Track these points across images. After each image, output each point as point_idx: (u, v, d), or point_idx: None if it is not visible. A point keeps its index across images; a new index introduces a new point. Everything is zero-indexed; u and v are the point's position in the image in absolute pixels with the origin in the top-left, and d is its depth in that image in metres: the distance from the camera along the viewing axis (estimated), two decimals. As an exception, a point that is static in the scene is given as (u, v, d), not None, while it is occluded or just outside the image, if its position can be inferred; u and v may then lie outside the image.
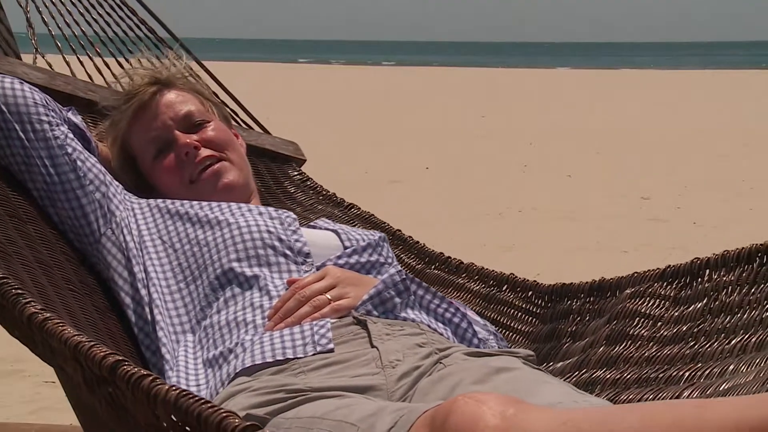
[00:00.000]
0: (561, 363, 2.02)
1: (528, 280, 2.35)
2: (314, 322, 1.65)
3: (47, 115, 1.92)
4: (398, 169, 9.91)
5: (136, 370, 0.95)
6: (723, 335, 1.79)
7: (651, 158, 11.13)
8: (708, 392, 1.61)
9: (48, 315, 1.10)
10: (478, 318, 2.05)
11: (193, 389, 1.64)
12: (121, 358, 0.98)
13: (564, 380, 1.93)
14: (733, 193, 8.82)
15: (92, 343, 1.02)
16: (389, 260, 1.99)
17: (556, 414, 1.09)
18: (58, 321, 1.08)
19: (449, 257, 2.52)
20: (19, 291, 1.17)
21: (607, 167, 10.46)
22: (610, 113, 16.89)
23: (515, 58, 61.17)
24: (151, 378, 0.92)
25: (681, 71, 37.49)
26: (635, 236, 6.94)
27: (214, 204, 1.94)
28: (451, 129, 14.07)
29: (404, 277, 1.76)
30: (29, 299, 1.15)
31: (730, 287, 1.86)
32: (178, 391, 0.90)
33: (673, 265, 2.00)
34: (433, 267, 2.52)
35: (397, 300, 1.73)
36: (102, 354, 0.98)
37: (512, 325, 2.30)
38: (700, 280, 1.94)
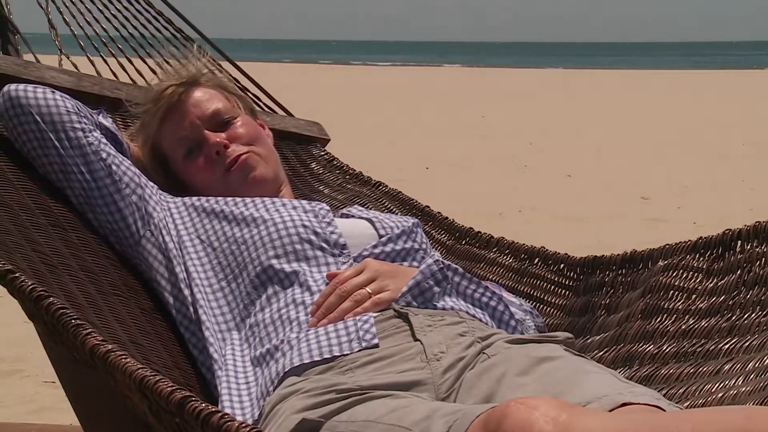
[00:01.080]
0: (599, 337, 2.05)
1: (559, 254, 2.37)
2: (357, 318, 1.68)
3: (80, 123, 1.95)
4: (398, 169, 9.87)
5: (204, 407, 0.98)
6: (759, 307, 1.80)
7: (651, 158, 11.07)
8: (748, 367, 1.63)
9: (110, 347, 1.14)
10: (513, 298, 2.08)
11: (243, 387, 1.69)
12: (187, 393, 1.01)
13: (603, 355, 1.97)
14: (733, 193, 8.76)
15: (157, 378, 1.05)
16: (424, 246, 2.01)
17: (610, 420, 1.12)
18: (121, 354, 1.11)
19: (479, 232, 2.55)
20: (79, 321, 1.20)
21: (607, 167, 10.42)
22: (610, 113, 16.73)
23: (515, 58, 60.53)
24: (220, 415, 0.96)
25: (681, 71, 37.09)
26: (635, 236, 6.91)
27: (248, 200, 1.97)
28: (451, 129, 14.00)
29: (442, 266, 1.79)
30: (89, 330, 1.18)
31: (763, 259, 1.88)
32: (248, 429, 0.93)
33: (705, 237, 2.02)
34: (463, 242, 2.55)
35: (436, 289, 1.76)
36: (169, 390, 1.01)
37: (546, 298, 2.33)
38: (731, 251, 1.96)
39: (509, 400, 1.19)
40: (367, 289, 1.74)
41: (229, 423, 0.94)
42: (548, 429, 1.11)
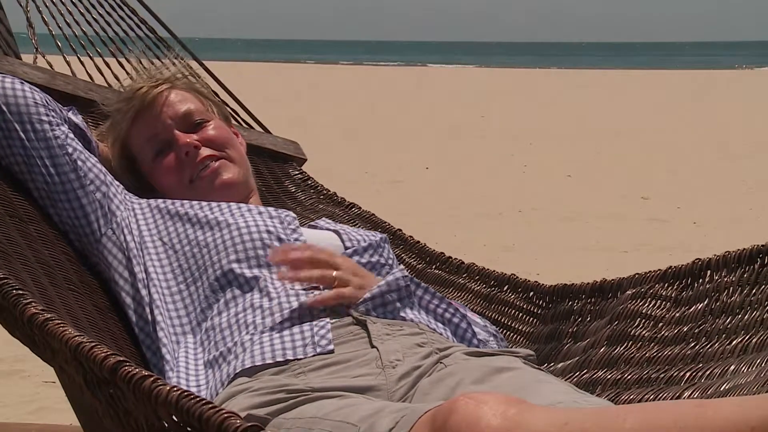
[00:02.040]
0: (562, 363, 2.02)
1: (529, 281, 2.34)
2: (314, 323, 1.65)
3: (48, 115, 1.92)
4: (398, 169, 9.90)
5: (137, 371, 0.94)
6: (724, 336, 1.79)
7: (651, 158, 11.13)
8: (709, 392, 1.61)
9: (49, 316, 1.10)
10: (478, 319, 2.05)
11: (193, 390, 1.64)
12: (122, 358, 0.97)
13: (566, 381, 1.94)
14: (733, 193, 8.82)
15: (93, 344, 1.01)
16: (390, 261, 1.98)
17: (558, 414, 1.08)
18: (59, 322, 1.08)
19: (450, 257, 2.52)
20: (20, 292, 1.16)
21: (607, 167, 10.47)
22: (610, 113, 16.88)
23: (516, 58, 61.14)
24: (152, 379, 0.92)
25: (680, 71, 37.50)
26: (635, 236, 6.94)
27: (213, 204, 1.94)
28: (451, 129, 14.06)
29: (408, 282, 1.76)
30: (30, 300, 1.15)
31: (731, 288, 1.86)
32: (179, 392, 0.90)
33: (675, 266, 2.00)
34: (433, 267, 2.52)
35: (398, 304, 1.73)
36: (103, 354, 0.98)
37: (513, 325, 2.30)
38: (701, 281, 1.94)
39: (458, 395, 1.15)
40: (334, 273, 1.72)
41: (160, 387, 0.90)
42: (496, 423, 1.08)
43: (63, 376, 1.59)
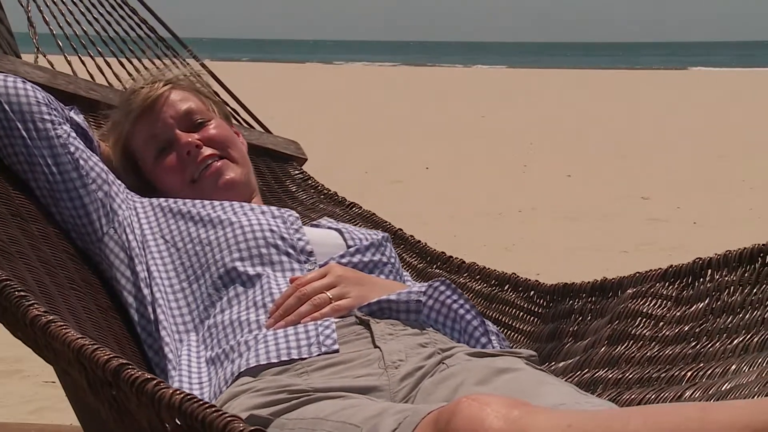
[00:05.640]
0: (563, 363, 2.02)
1: (530, 280, 2.34)
2: (318, 323, 1.64)
3: (50, 114, 1.92)
4: (398, 169, 9.90)
5: (140, 374, 0.94)
6: (725, 335, 1.79)
7: (651, 158, 11.13)
8: (710, 392, 1.61)
9: (51, 318, 1.10)
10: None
11: (195, 388, 1.65)
12: (124, 361, 0.98)
13: (566, 380, 1.94)
14: (733, 193, 8.82)
15: (95, 346, 1.02)
16: (392, 260, 1.99)
17: (561, 416, 1.09)
18: (62, 324, 1.08)
19: (451, 257, 2.52)
20: (22, 293, 1.17)
21: (607, 167, 10.46)
22: (609, 113, 16.87)
23: (515, 58, 61.08)
24: (155, 382, 0.92)
25: (680, 71, 37.47)
26: (635, 236, 6.94)
27: (216, 203, 1.94)
28: (451, 129, 14.06)
29: (420, 299, 1.72)
30: (32, 301, 1.15)
31: (732, 287, 1.86)
32: (182, 395, 0.90)
33: (675, 265, 2.00)
34: (434, 266, 2.52)
35: (403, 316, 1.72)
36: (105, 357, 0.98)
37: (514, 324, 2.29)
38: (702, 280, 1.93)
39: (460, 397, 1.16)
40: (328, 293, 1.70)
41: (163, 390, 0.90)
42: (498, 425, 1.08)
43: (65, 378, 1.60)
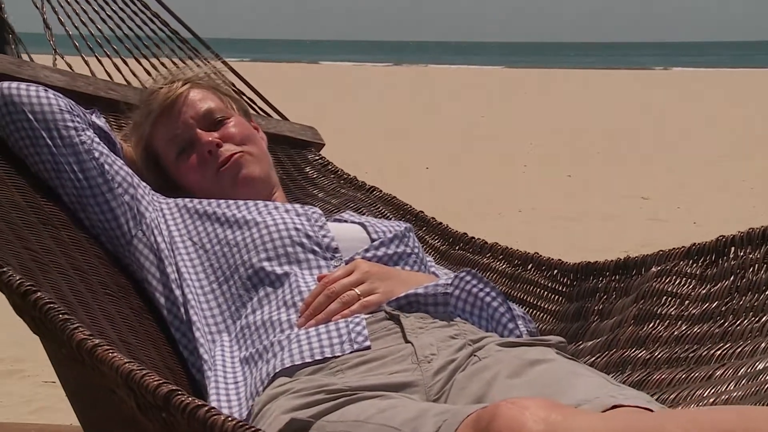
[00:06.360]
0: (591, 342, 2.04)
1: (552, 259, 2.36)
2: (349, 320, 1.67)
3: (73, 121, 1.94)
4: (398, 169, 9.87)
5: (191, 401, 0.97)
6: (752, 313, 1.80)
7: (651, 158, 11.09)
8: (740, 372, 1.63)
9: (97, 341, 1.13)
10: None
11: (231, 387, 1.68)
12: (174, 387, 1.00)
13: (595, 360, 1.96)
14: (733, 193, 8.78)
15: (144, 371, 1.04)
16: (416, 250, 2.01)
17: (598, 422, 1.11)
18: (108, 348, 1.10)
19: (473, 237, 2.54)
20: (66, 316, 1.19)
21: (607, 167, 10.43)
22: (609, 113, 16.77)
23: (515, 58, 60.58)
24: (206, 409, 0.95)
25: (679, 71, 37.17)
26: (635, 236, 6.91)
27: (240, 203, 1.96)
28: (451, 129, 14.01)
29: (447, 291, 1.74)
30: (77, 324, 1.17)
31: (756, 265, 1.87)
32: (234, 422, 0.92)
33: (698, 243, 2.02)
34: (457, 248, 2.54)
35: (431, 309, 1.74)
36: (155, 383, 1.01)
37: (539, 304, 2.32)
38: (725, 257, 1.95)
39: (500, 401, 1.18)
40: (356, 290, 1.73)
41: (215, 417, 0.93)
42: (538, 429, 1.11)
43: (62, 376, 1.61)
